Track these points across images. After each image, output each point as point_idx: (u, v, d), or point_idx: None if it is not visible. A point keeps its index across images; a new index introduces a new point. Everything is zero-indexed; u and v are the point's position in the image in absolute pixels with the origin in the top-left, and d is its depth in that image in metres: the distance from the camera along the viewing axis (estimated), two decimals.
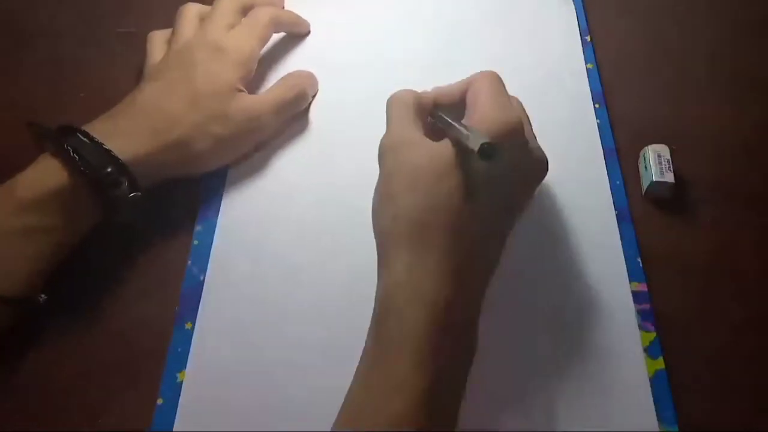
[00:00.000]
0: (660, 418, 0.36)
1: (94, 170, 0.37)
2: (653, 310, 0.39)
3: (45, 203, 0.37)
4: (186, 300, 0.40)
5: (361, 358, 0.33)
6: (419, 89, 0.47)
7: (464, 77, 0.48)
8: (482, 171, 0.34)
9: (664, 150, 0.43)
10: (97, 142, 0.38)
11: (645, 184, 0.43)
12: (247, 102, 0.43)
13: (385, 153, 0.36)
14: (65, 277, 0.40)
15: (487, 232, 0.35)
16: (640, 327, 0.38)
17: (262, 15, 0.47)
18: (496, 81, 0.37)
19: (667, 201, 0.43)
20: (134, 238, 0.42)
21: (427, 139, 0.36)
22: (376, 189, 0.37)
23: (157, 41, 0.46)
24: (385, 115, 0.38)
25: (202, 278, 0.40)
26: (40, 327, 0.39)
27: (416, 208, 0.34)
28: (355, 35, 0.51)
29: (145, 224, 0.41)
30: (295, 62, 0.50)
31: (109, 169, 0.38)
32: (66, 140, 0.38)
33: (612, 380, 0.37)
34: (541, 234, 0.42)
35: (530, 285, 0.40)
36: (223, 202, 0.43)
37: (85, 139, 0.38)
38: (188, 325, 0.39)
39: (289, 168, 0.45)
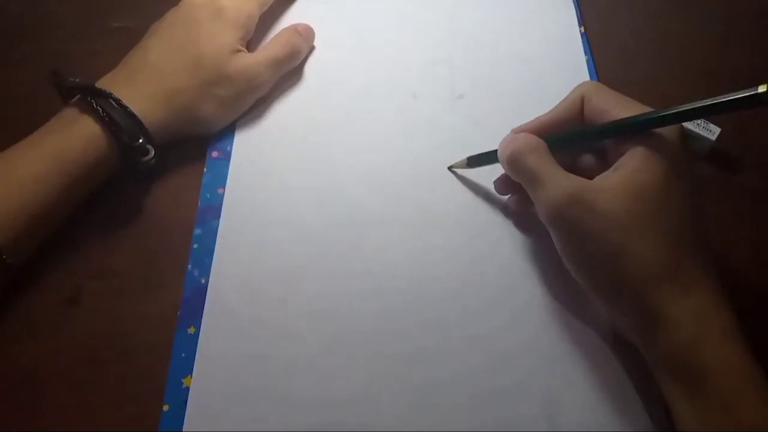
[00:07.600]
0: None
1: (129, 140, 0.39)
2: None
3: (76, 164, 0.39)
4: (188, 304, 0.39)
5: None
6: (419, 85, 0.47)
7: (461, 73, 0.48)
8: (680, 158, 0.32)
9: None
10: (130, 111, 0.40)
11: None
12: (245, 62, 0.44)
13: (567, 211, 0.33)
14: (66, 279, 0.40)
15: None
16: None
17: None
18: (601, 85, 0.37)
19: None
20: (135, 241, 0.41)
21: (611, 175, 0.33)
22: (574, 254, 0.34)
23: None
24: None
25: (203, 282, 0.40)
26: (38, 327, 0.39)
27: (660, 244, 0.31)
28: (353, 34, 0.51)
29: (144, 230, 0.41)
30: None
31: (140, 140, 0.40)
32: (99, 103, 0.39)
33: (612, 379, 0.37)
34: (539, 233, 0.42)
35: (527, 282, 0.40)
36: (222, 204, 0.43)
37: (116, 105, 0.40)
38: (192, 330, 0.38)
39: (289, 168, 0.44)
